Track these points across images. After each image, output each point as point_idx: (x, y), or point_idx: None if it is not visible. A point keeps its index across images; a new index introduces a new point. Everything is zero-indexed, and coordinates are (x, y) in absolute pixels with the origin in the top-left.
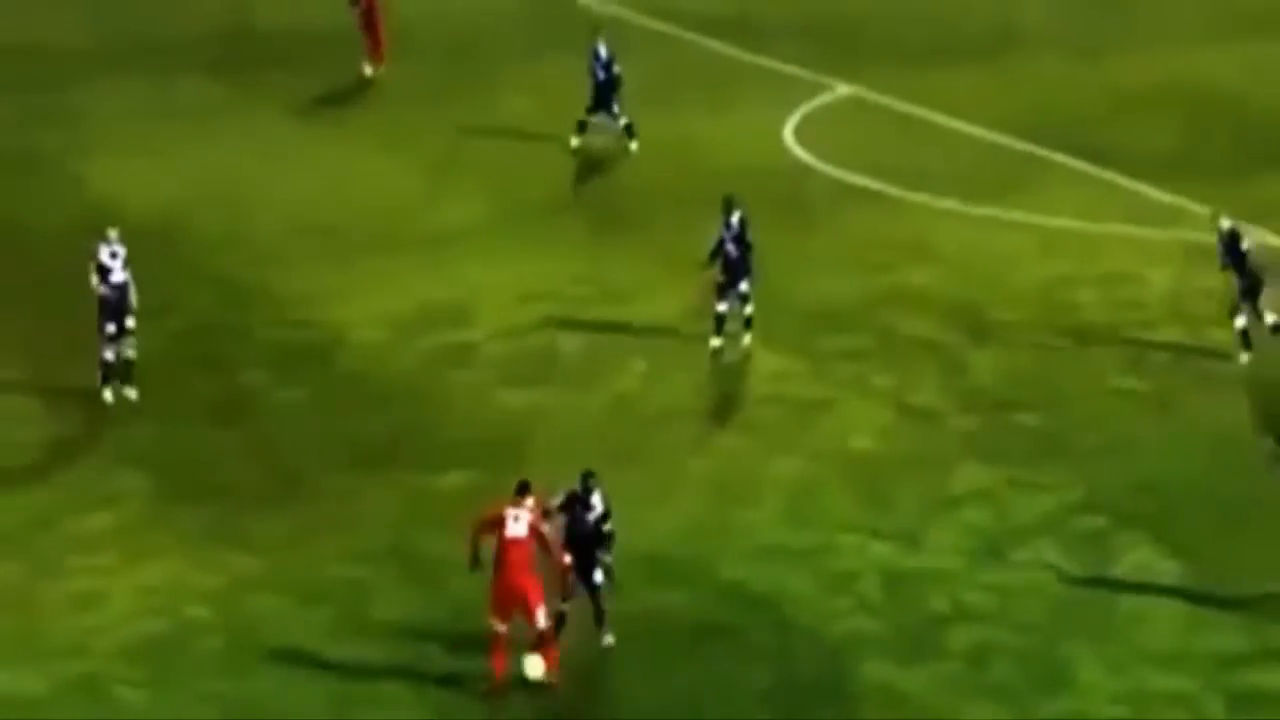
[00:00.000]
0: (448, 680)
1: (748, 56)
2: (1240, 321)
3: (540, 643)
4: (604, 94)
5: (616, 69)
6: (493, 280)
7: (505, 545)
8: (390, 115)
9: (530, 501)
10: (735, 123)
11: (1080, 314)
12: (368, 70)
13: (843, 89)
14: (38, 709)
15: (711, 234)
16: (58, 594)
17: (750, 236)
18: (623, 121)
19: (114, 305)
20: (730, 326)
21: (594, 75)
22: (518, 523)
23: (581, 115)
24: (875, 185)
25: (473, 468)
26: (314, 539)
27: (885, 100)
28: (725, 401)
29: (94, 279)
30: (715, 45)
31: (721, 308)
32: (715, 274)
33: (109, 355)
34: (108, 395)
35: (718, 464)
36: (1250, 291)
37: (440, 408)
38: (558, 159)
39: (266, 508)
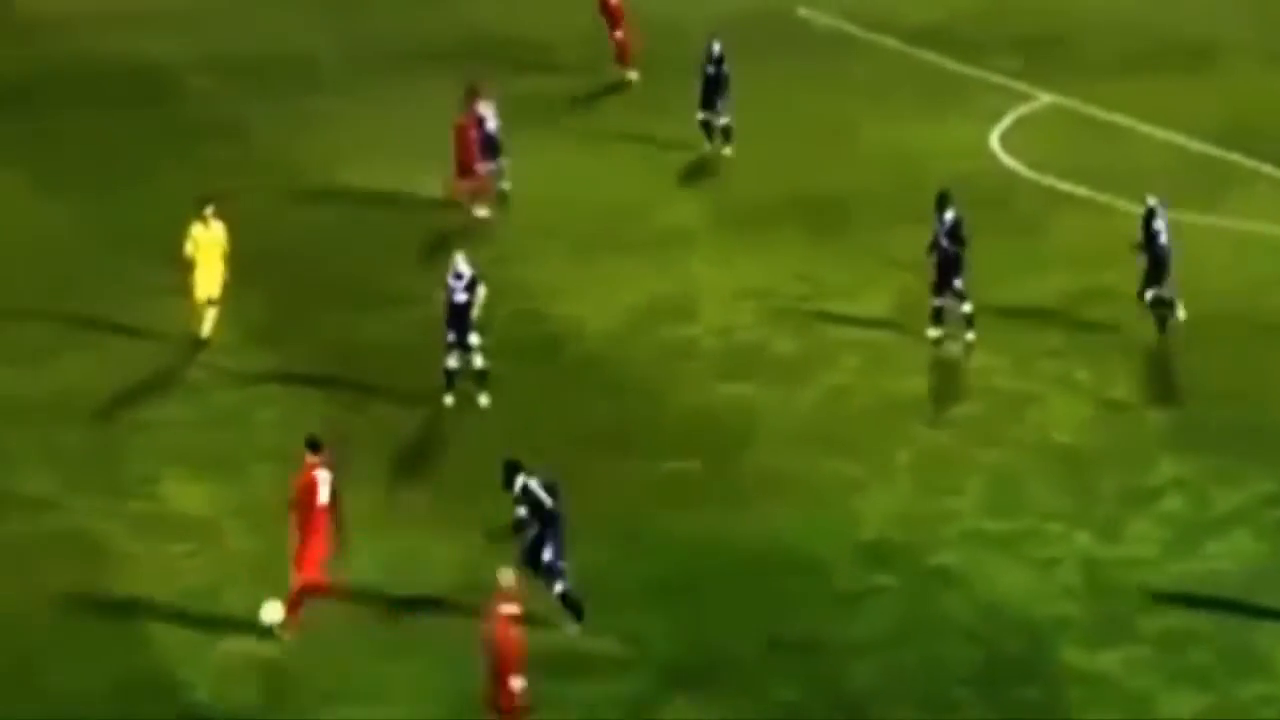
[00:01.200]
0: (668, 652)
1: (956, 66)
2: (1149, 295)
3: (294, 594)
4: (711, 90)
5: (725, 68)
6: (714, 277)
7: (318, 512)
8: (620, 121)
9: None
10: (944, 130)
11: (1279, 315)
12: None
13: (1046, 98)
14: (282, 674)
15: (924, 237)
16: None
17: (965, 233)
18: (723, 121)
19: (456, 317)
20: (950, 324)
21: (704, 73)
22: (325, 487)
23: (701, 116)
24: (1079, 191)
25: (695, 455)
26: None
27: (1088, 109)
28: (932, 396)
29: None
30: (926, 56)
31: (938, 302)
32: (930, 269)
33: (451, 363)
34: (448, 400)
35: (925, 455)
36: (1154, 274)
37: (665, 398)
38: (775, 162)
39: (494, 488)
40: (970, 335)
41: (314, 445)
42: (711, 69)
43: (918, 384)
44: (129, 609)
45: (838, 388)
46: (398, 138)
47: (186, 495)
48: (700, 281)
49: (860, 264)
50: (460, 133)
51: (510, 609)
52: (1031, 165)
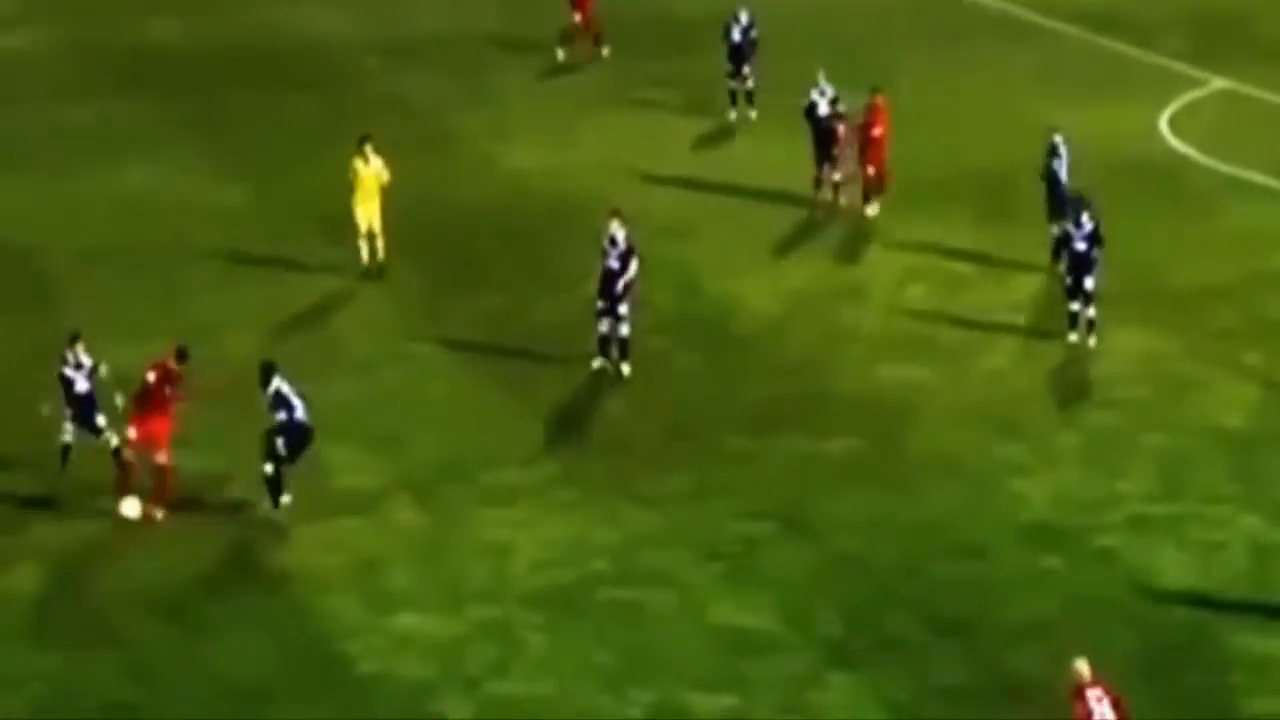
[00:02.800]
0: (830, 631)
1: (1125, 49)
2: (1055, 231)
3: (157, 477)
4: (738, 58)
5: (754, 34)
6: (881, 258)
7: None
8: (779, 102)
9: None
10: (1113, 113)
11: None
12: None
13: (1217, 81)
14: (449, 649)
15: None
16: (472, 543)
17: (1103, 233)
18: (749, 85)
19: (607, 283)
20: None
21: (729, 39)
22: (150, 375)
23: (730, 85)
24: (1249, 175)
25: (857, 436)
26: (710, 497)
27: (1260, 93)
28: (1098, 378)
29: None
30: (1095, 39)
31: (1074, 306)
32: (1062, 272)
33: (602, 328)
34: (597, 363)
35: (1090, 437)
36: (1057, 209)
37: (829, 378)
38: (943, 145)
39: (666, 467)
40: (1092, 341)
41: (181, 354)
42: (739, 37)
43: (1084, 366)
44: (296, 583)
45: (1003, 369)
46: (564, 115)
47: (353, 470)
48: (866, 262)
49: (1027, 246)
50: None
51: None
52: (1201, 149)
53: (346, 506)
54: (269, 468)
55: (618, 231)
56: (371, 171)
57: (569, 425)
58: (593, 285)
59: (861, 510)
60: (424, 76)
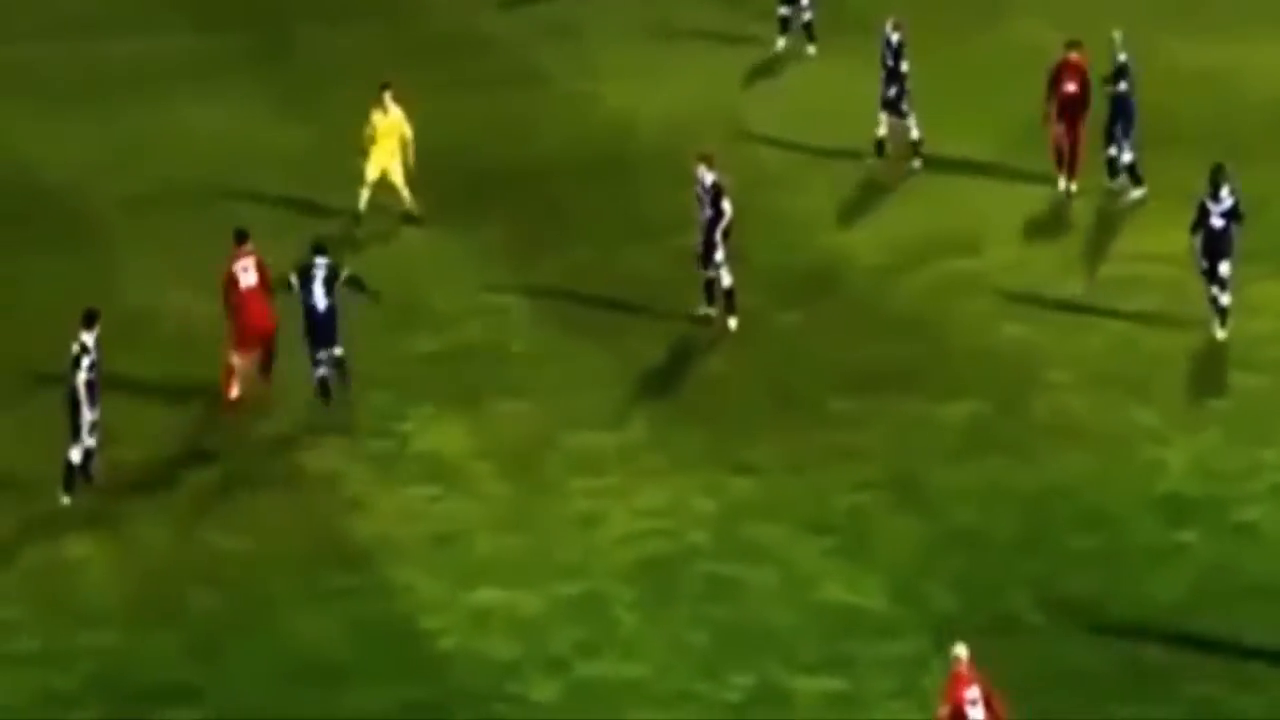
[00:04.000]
0: (944, 610)
1: None
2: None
3: (267, 362)
4: None
5: None
6: (999, 208)
7: (244, 295)
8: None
9: (250, 248)
10: (1260, 50)
11: None
12: None
13: None
14: (535, 626)
15: (1237, 169)
16: (559, 514)
17: (1243, 209)
18: (806, 17)
19: (703, 230)
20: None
21: None
22: (248, 273)
23: (782, 11)
24: None
25: (975, 398)
26: (815, 465)
27: None
28: (1241, 339)
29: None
30: None
31: (1215, 291)
32: (1196, 251)
33: (709, 274)
34: (702, 310)
35: (1232, 402)
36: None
37: (944, 337)
38: None
39: (767, 432)
40: (1221, 334)
41: (241, 236)
42: None
43: (1223, 330)
44: (370, 555)
45: (1135, 328)
46: (659, 51)
47: (431, 434)
48: (982, 212)
49: (1163, 197)
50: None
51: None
52: None
53: (425, 473)
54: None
55: (706, 176)
56: (391, 122)
57: (662, 386)
58: (688, 235)
59: (979, 479)
60: (506, 8)
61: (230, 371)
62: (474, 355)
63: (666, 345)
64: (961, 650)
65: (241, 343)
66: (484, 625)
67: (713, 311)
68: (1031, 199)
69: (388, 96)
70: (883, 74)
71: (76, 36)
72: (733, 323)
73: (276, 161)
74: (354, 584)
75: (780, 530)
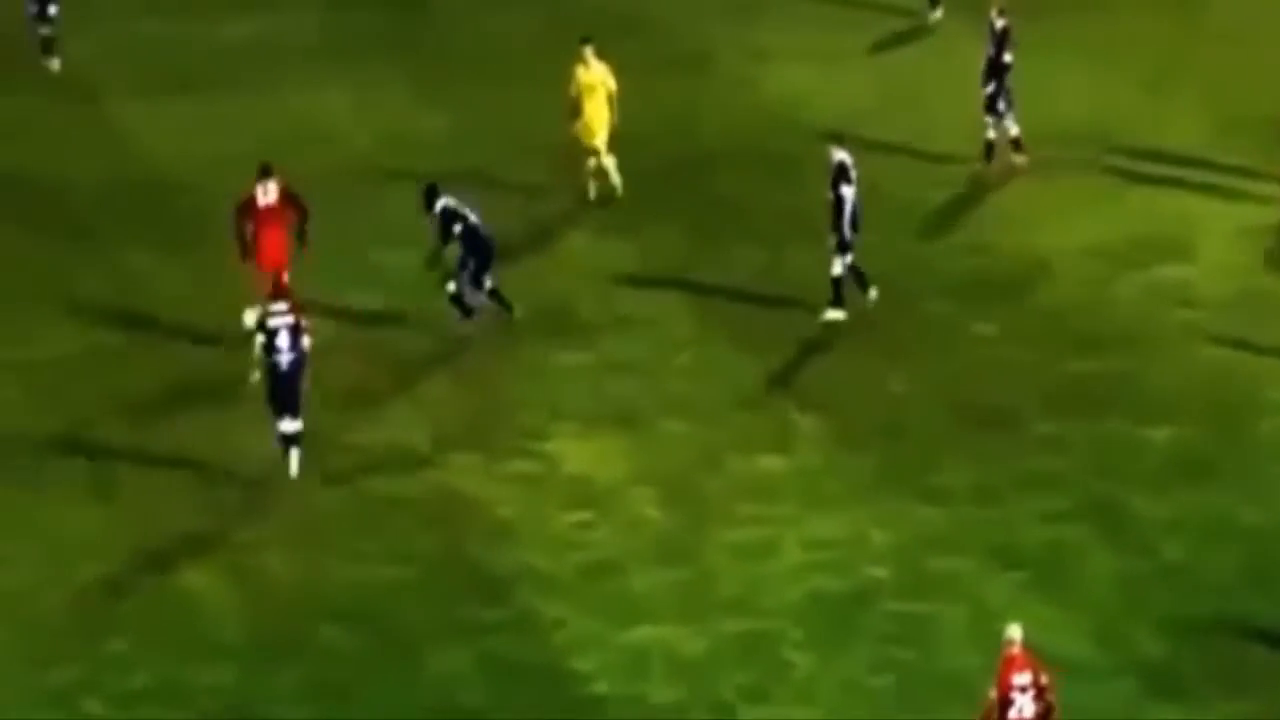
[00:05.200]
0: (1153, 655)
1: None
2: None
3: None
4: None
5: None
6: (1212, 209)
7: (260, 215)
8: (1101, 24)
9: (274, 181)
10: None
11: None
12: None
13: None
14: (697, 668)
15: None
16: (724, 543)
17: None
18: None
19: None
20: None
21: None
22: (267, 195)
23: None
24: None
25: (1187, 420)
26: (1007, 492)
27: None
28: None
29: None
30: None
31: None
32: None
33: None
34: (833, 316)
35: None
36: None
37: (1151, 351)
38: None
39: (954, 455)
40: None
41: (265, 170)
42: None
43: None
44: (515, 587)
45: None
46: (835, 31)
47: (583, 455)
48: (1194, 212)
49: None
50: None
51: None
52: None
53: (578, 499)
54: (451, 285)
55: (833, 157)
56: (597, 77)
57: (837, 404)
58: (863, 234)
59: (1191, 509)
60: None
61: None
62: (630, 369)
63: (844, 359)
64: (1015, 632)
65: (257, 265)
66: (641, 667)
67: (839, 315)
68: (1247, 196)
69: (589, 51)
70: (983, 66)
71: (198, 15)
72: (830, 315)
73: (413, 150)
74: (497, 619)
75: (968, 564)
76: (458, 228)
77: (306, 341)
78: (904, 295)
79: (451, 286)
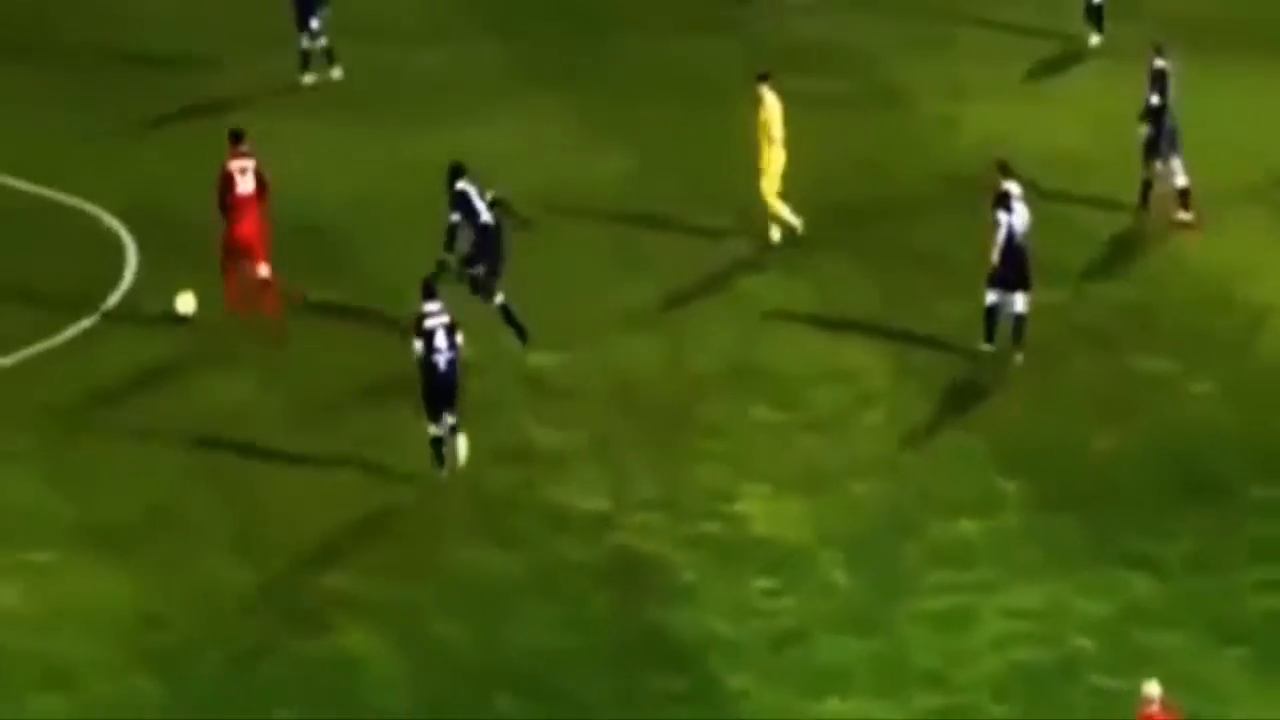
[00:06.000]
0: None
1: None
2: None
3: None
4: None
5: None
6: None
7: (237, 200)
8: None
9: (245, 148)
10: None
11: None
12: None
13: None
14: None
15: None
16: (918, 612)
17: None
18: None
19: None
20: None
21: None
22: (245, 176)
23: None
24: None
25: None
26: (1227, 561)
27: None
28: None
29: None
30: None
31: None
32: None
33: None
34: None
35: None
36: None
37: None
38: None
39: (1166, 520)
40: None
41: (236, 136)
42: None
43: None
44: (698, 655)
45: None
46: (1040, 66)
47: (771, 516)
48: None
49: None
50: None
51: None
52: None
53: (763, 562)
54: (498, 299)
55: (1012, 186)
56: (773, 116)
57: (1041, 464)
58: (1068, 286)
59: None
60: (860, 16)
61: (230, 279)
62: (821, 426)
63: (1048, 416)
64: (1153, 689)
65: (227, 250)
66: None
67: (989, 348)
68: None
69: (765, 88)
70: (1145, 107)
71: (367, 44)
72: (1018, 358)
73: (586, 190)
74: (679, 689)
75: (1182, 638)
76: (455, 216)
77: (461, 339)
78: (1114, 349)
79: (498, 300)
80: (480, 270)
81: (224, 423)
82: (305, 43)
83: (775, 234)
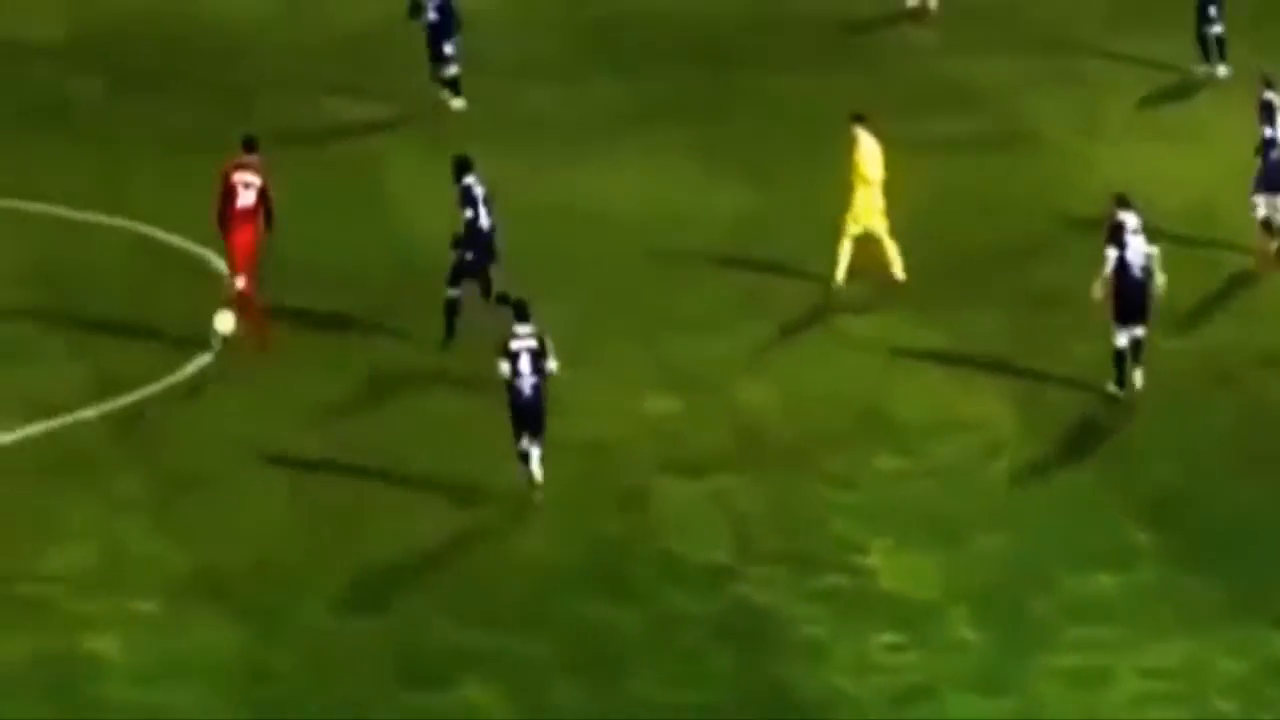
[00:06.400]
0: None
1: None
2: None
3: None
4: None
5: None
6: None
7: (236, 212)
8: None
9: (253, 159)
10: None
11: None
12: None
13: None
14: None
15: None
16: (1051, 669)
17: None
18: (1218, 29)
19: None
20: None
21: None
22: (248, 190)
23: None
24: None
25: None
26: None
27: None
28: None
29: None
30: None
31: None
32: None
33: (1120, 342)
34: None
35: None
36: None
37: None
38: None
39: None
40: None
41: (249, 144)
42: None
43: None
44: (821, 711)
45: None
46: (1184, 105)
47: (897, 569)
48: None
49: None
50: None
51: None
52: None
53: (888, 618)
54: (452, 291)
55: (1131, 220)
56: (870, 157)
57: (1179, 516)
58: (1216, 332)
59: None
60: (993, 53)
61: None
62: (950, 476)
63: (1185, 465)
64: None
65: (229, 260)
66: None
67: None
68: None
69: (861, 129)
70: (1259, 142)
71: (481, 77)
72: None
73: (706, 231)
74: None
75: None
76: (467, 213)
77: (551, 364)
78: (1254, 395)
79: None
80: (466, 256)
81: (333, 467)
82: (443, 70)
83: (841, 276)
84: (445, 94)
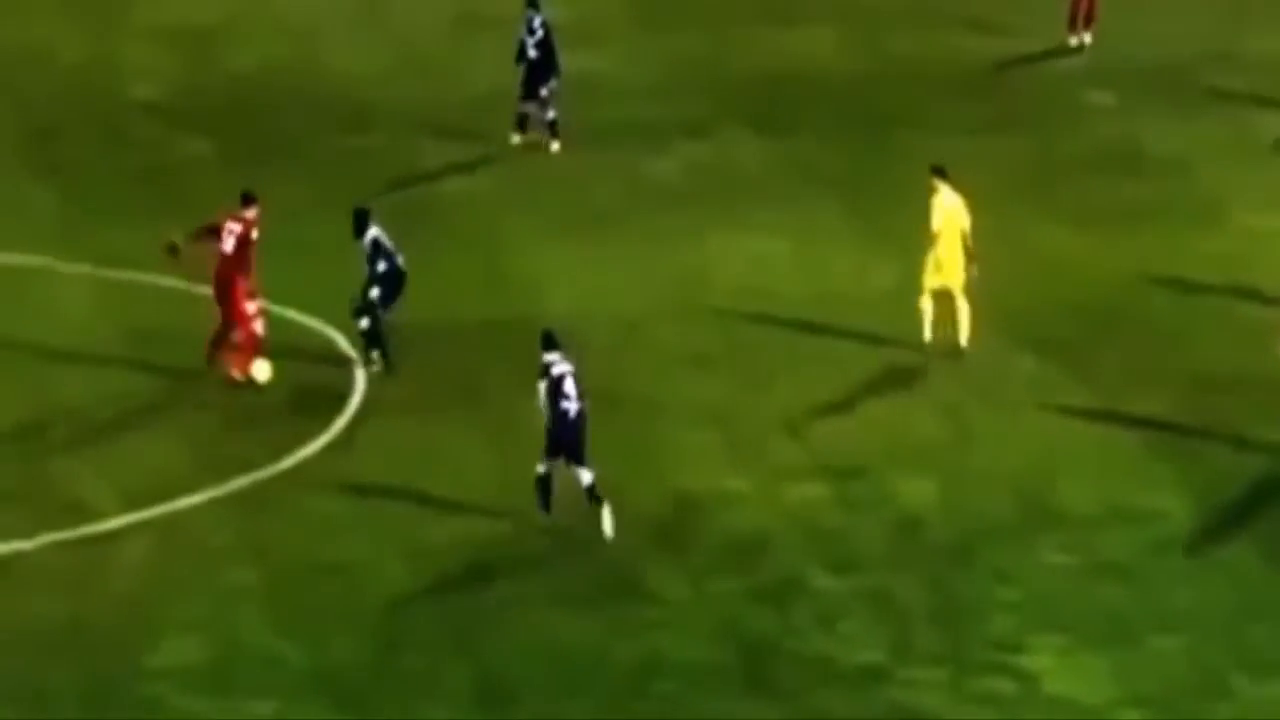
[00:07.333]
0: None
1: None
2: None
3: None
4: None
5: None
6: None
7: (213, 252)
8: None
9: (250, 215)
10: None
11: None
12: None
13: None
14: None
15: None
16: None
17: None
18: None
19: None
20: None
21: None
22: (230, 237)
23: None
24: None
25: None
26: None
27: None
28: None
29: None
30: None
31: None
32: None
33: None
34: None
35: None
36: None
37: None
38: None
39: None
40: None
41: (247, 199)
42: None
43: None
44: None
45: None
46: None
47: (1065, 672)
48: None
49: None
50: None
51: None
52: None
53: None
54: (364, 323)
55: None
56: (951, 211)
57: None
58: None
59: None
60: (1168, 115)
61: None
62: (1121, 571)
63: None
64: None
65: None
66: None
67: None
68: None
69: (940, 181)
70: None
71: (614, 146)
72: None
73: (859, 312)
74: None
75: None
76: (383, 265)
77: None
78: None
79: (363, 323)
80: (374, 295)
81: (455, 555)
82: (527, 108)
83: (928, 332)
84: (544, 137)
